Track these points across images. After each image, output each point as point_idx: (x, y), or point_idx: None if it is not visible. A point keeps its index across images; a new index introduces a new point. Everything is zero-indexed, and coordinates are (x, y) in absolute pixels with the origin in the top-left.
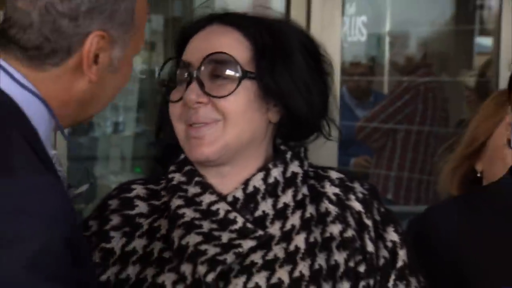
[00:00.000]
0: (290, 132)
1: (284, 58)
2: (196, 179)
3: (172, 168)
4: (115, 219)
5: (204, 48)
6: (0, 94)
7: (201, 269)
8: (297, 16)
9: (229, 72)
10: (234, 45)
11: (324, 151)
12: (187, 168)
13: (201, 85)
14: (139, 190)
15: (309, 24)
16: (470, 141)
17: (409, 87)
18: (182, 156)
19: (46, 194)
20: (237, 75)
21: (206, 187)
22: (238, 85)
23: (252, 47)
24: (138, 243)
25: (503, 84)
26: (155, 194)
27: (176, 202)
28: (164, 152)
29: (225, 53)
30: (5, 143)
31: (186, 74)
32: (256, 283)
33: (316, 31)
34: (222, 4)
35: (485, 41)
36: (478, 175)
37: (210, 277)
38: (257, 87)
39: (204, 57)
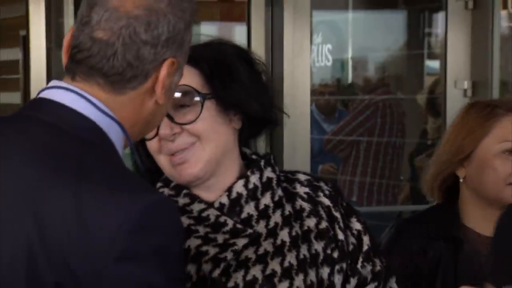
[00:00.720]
0: (251, 132)
1: (230, 73)
2: (184, 191)
3: (159, 184)
4: None
5: None
6: (89, 121)
7: (206, 267)
8: (257, 46)
9: (191, 99)
10: (186, 75)
11: (298, 160)
12: (173, 184)
13: (171, 118)
14: None
15: (282, 53)
16: (456, 150)
17: (369, 104)
18: (166, 175)
19: (169, 209)
20: (198, 99)
21: (194, 197)
22: (202, 108)
23: (200, 73)
24: None
25: (450, 100)
26: None
27: None
28: (144, 177)
29: (183, 84)
30: (112, 167)
31: None
32: (254, 275)
33: (288, 58)
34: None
35: (433, 64)
36: (461, 180)
37: (216, 273)
38: (216, 104)
39: None
